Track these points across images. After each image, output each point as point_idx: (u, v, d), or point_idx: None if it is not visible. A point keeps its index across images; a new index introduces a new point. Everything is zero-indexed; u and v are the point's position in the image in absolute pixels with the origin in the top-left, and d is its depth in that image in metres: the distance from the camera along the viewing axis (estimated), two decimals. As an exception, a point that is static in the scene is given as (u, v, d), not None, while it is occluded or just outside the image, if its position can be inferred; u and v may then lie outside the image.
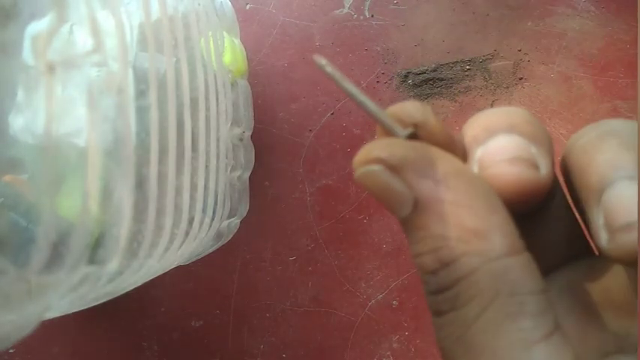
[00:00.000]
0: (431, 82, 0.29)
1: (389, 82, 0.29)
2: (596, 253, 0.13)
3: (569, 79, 0.28)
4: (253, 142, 0.28)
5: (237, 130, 0.25)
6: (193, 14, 0.19)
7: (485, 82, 0.28)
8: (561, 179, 0.14)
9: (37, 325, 0.13)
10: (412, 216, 0.11)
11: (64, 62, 0.12)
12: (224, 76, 0.22)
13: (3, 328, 0.12)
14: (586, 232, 0.13)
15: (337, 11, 0.30)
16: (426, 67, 0.29)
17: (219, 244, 0.26)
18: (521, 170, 0.12)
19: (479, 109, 0.26)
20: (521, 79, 0.28)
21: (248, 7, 0.30)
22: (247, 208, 0.28)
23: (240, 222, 0.28)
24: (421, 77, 0.29)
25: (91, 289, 0.14)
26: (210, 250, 0.25)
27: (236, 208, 0.26)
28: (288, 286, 0.29)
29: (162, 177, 0.16)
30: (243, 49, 0.28)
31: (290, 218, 0.29)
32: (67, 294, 0.14)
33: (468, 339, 0.11)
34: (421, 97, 0.29)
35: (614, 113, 0.27)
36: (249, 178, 0.28)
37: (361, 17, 0.29)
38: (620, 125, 0.13)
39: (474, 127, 0.13)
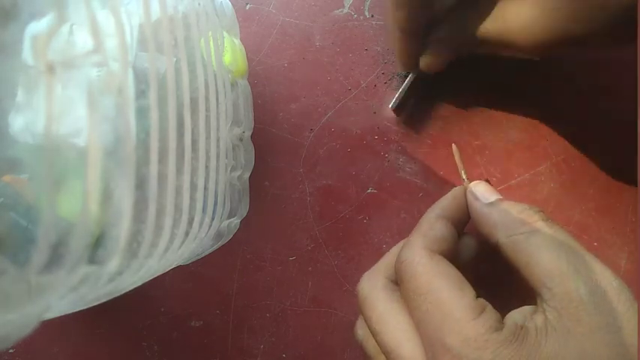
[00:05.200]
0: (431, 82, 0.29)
1: (389, 82, 0.29)
2: None
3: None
4: (253, 142, 0.28)
5: (237, 130, 0.25)
6: (193, 14, 0.19)
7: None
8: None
9: (37, 325, 0.13)
10: None
11: (64, 62, 0.12)
12: (224, 76, 0.22)
13: (3, 328, 0.12)
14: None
15: (337, 11, 0.30)
16: (426, 67, 0.29)
17: (219, 244, 0.26)
18: None
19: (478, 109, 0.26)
20: (521, 79, 0.28)
21: (248, 7, 0.30)
22: (247, 208, 0.28)
23: (240, 222, 0.28)
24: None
25: (91, 289, 0.14)
26: (210, 250, 0.25)
27: (236, 208, 0.26)
28: (288, 286, 0.29)
29: (162, 177, 0.16)
30: (243, 49, 0.28)
31: (290, 218, 0.29)
32: (67, 294, 0.14)
33: None
34: (421, 96, 0.29)
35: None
36: (249, 178, 0.28)
37: (361, 17, 0.29)
38: None
39: None
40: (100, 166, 0.13)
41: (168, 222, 0.17)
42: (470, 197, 0.23)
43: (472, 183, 0.23)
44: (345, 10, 0.30)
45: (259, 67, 0.30)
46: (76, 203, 0.13)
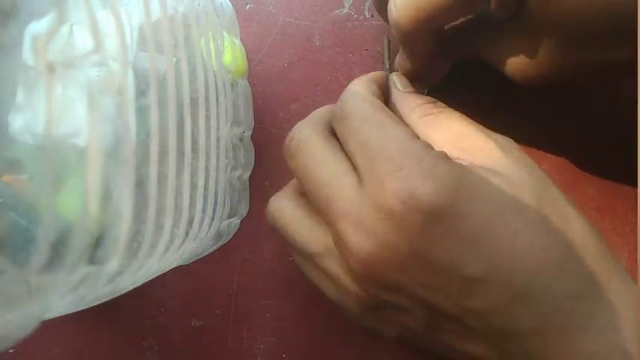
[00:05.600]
0: (431, 82, 0.29)
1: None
2: None
3: (569, 79, 0.28)
4: (253, 142, 0.28)
5: (237, 130, 0.25)
6: (193, 14, 0.19)
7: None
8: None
9: (37, 325, 0.13)
10: None
11: (64, 62, 0.12)
12: (224, 77, 0.22)
13: (3, 328, 0.12)
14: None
15: (337, 11, 0.30)
16: (426, 67, 0.29)
17: (219, 244, 0.26)
18: None
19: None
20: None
21: (248, 7, 0.30)
22: (247, 208, 0.28)
23: (240, 222, 0.28)
24: (421, 77, 0.29)
25: (91, 289, 0.14)
26: (210, 250, 0.25)
27: (236, 208, 0.26)
28: (288, 286, 0.29)
29: (162, 177, 0.16)
30: (243, 49, 0.28)
31: (290, 218, 0.29)
32: (67, 294, 0.14)
33: None
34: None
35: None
36: (249, 178, 0.28)
37: (361, 17, 0.29)
38: None
39: None
40: (100, 167, 0.13)
41: (168, 222, 0.17)
42: (391, 84, 0.25)
43: (393, 73, 0.25)
44: (345, 10, 0.30)
45: (259, 67, 0.30)
46: (76, 203, 0.13)
